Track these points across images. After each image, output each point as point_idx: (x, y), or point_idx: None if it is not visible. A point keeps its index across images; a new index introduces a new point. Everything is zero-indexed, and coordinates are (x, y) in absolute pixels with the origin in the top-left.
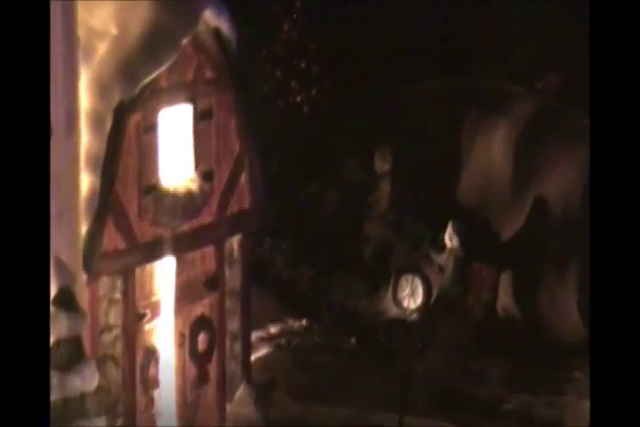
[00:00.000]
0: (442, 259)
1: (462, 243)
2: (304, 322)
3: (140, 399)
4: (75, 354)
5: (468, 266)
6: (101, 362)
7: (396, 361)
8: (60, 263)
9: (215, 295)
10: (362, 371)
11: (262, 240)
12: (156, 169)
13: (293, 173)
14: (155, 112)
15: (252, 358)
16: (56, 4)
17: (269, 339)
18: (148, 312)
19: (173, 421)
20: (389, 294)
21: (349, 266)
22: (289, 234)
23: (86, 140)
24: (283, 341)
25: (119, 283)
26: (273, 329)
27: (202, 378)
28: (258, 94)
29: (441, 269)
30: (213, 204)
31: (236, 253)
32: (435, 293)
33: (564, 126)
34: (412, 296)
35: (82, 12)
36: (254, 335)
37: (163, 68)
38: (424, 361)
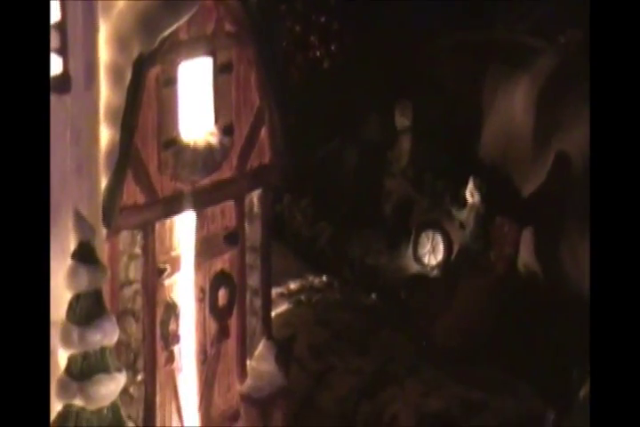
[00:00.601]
0: (463, 215)
1: (483, 199)
2: (324, 278)
3: (161, 354)
4: (95, 308)
5: (489, 221)
6: (121, 317)
7: (417, 318)
8: (79, 217)
9: (235, 250)
10: (382, 327)
11: (282, 197)
12: (176, 123)
13: (313, 129)
14: (174, 65)
15: (273, 314)
16: None
17: (289, 295)
18: (168, 267)
19: (194, 376)
20: (410, 250)
21: (369, 223)
22: (308, 191)
23: (106, 93)
24: (303, 297)
25: (139, 237)
26: (293, 285)
27: (222, 333)
28: (278, 49)
29: (462, 226)
30: (233, 158)
31: (256, 209)
32: (455, 249)
33: (586, 81)
34: (432, 253)
35: None
36: (274, 292)
37: (182, 21)
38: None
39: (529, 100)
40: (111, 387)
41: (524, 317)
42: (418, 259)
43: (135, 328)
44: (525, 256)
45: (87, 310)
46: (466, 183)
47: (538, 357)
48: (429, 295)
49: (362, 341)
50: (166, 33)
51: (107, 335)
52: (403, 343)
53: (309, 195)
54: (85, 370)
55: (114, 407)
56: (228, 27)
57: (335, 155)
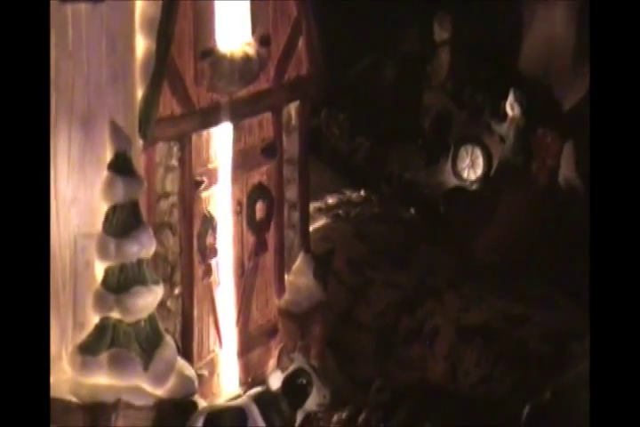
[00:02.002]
0: (503, 129)
1: (524, 112)
2: (362, 193)
3: (198, 268)
4: (131, 220)
5: (531, 134)
6: (158, 230)
7: (457, 232)
8: (115, 128)
9: (273, 163)
10: (421, 241)
11: (319, 112)
12: (213, 33)
13: (351, 42)
14: None
15: (310, 228)
16: None
17: (327, 210)
18: (205, 180)
19: (231, 290)
20: (449, 165)
21: (407, 137)
22: (346, 105)
23: (141, 2)
24: (341, 211)
25: (175, 149)
26: (330, 200)
27: (260, 247)
28: None
29: (502, 140)
30: (270, 69)
31: (293, 121)
32: (495, 163)
33: None
34: (471, 167)
35: None
36: (312, 206)
37: None
38: (484, 232)
39: (570, 11)
40: (148, 299)
41: (564, 231)
42: (457, 173)
43: (172, 241)
44: (566, 171)
45: (124, 222)
46: (506, 96)
47: (578, 271)
48: (469, 209)
49: (401, 255)
50: None
51: (144, 247)
52: (442, 257)
53: (347, 109)
54: (122, 282)
55: (151, 320)
56: None
57: (373, 68)
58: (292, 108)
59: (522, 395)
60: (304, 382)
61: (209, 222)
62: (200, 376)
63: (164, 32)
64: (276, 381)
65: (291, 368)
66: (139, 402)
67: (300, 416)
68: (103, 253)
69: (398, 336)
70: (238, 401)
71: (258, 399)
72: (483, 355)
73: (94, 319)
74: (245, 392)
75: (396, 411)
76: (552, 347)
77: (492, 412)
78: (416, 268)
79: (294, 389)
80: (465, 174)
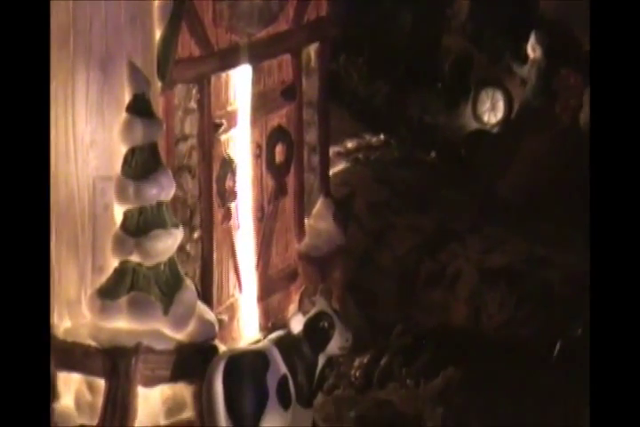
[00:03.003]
0: (524, 71)
1: (545, 53)
2: (381, 137)
3: (217, 211)
4: (150, 162)
5: (553, 75)
6: (177, 173)
7: (478, 174)
8: (134, 69)
9: (292, 106)
10: (442, 184)
11: (337, 56)
12: None
13: None
14: None
15: (330, 172)
16: None
17: (347, 154)
18: (224, 122)
19: (251, 234)
20: (469, 108)
21: (427, 81)
22: (364, 49)
23: None
24: (360, 155)
25: (194, 91)
26: (350, 144)
27: (280, 190)
28: None
29: (523, 82)
30: (290, 10)
31: (313, 63)
32: (516, 106)
33: None
34: (492, 111)
35: None
36: (331, 150)
37: None
38: (506, 174)
39: None
40: (168, 242)
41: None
42: (477, 117)
43: (191, 184)
44: (586, 114)
45: (143, 164)
46: (527, 38)
47: None
48: (491, 152)
49: (422, 198)
50: None
51: (163, 190)
52: (464, 200)
53: (365, 53)
54: (142, 225)
55: (171, 264)
56: None
57: (392, 11)
58: (312, 50)
59: (547, 336)
60: (326, 325)
61: (228, 165)
62: (220, 321)
63: None
64: (297, 324)
65: (312, 312)
66: (159, 346)
67: (321, 360)
68: (122, 195)
69: (420, 280)
70: (259, 345)
71: (279, 343)
72: (506, 297)
73: (113, 263)
74: (265, 337)
75: (419, 355)
76: (576, 288)
77: (516, 354)
78: (437, 211)
79: (316, 332)
80: (485, 118)
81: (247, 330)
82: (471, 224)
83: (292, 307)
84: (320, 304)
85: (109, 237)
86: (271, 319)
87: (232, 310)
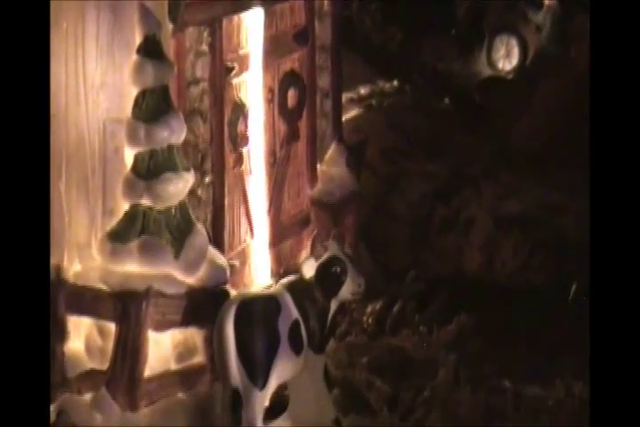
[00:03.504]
0: (539, 17)
1: None
2: (395, 83)
3: (229, 156)
4: (161, 105)
5: (569, 20)
6: (188, 117)
7: (493, 120)
8: (145, 10)
9: (305, 50)
10: (456, 131)
11: (351, 1)
12: None
13: None
14: None
15: (343, 118)
16: None
17: (359, 100)
18: (236, 66)
19: (263, 179)
20: (483, 55)
21: (441, 27)
22: None
23: None
24: (373, 102)
25: (206, 34)
26: (363, 91)
27: (292, 135)
28: None
29: (538, 29)
30: None
31: (326, 6)
32: (531, 53)
33: None
34: (507, 57)
35: None
36: (344, 96)
37: None
38: (521, 120)
39: None
40: (179, 185)
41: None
42: (492, 64)
43: (203, 129)
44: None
45: (154, 107)
46: None
47: None
48: (505, 98)
49: (435, 144)
50: None
51: (174, 133)
52: (478, 146)
53: None
54: (152, 168)
55: (182, 207)
56: None
57: None
58: None
59: (561, 282)
60: (338, 270)
61: (240, 110)
62: (231, 267)
63: None
64: (309, 269)
65: (324, 256)
66: (170, 290)
67: (334, 305)
68: (133, 138)
69: (433, 226)
70: (271, 290)
71: (291, 288)
72: (520, 244)
73: (124, 206)
74: (277, 283)
75: (432, 302)
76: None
77: (529, 301)
78: (451, 157)
79: (328, 277)
80: (500, 65)
81: (259, 276)
82: (485, 170)
83: (304, 253)
84: (332, 249)
85: (120, 181)
86: (283, 265)
87: (243, 255)
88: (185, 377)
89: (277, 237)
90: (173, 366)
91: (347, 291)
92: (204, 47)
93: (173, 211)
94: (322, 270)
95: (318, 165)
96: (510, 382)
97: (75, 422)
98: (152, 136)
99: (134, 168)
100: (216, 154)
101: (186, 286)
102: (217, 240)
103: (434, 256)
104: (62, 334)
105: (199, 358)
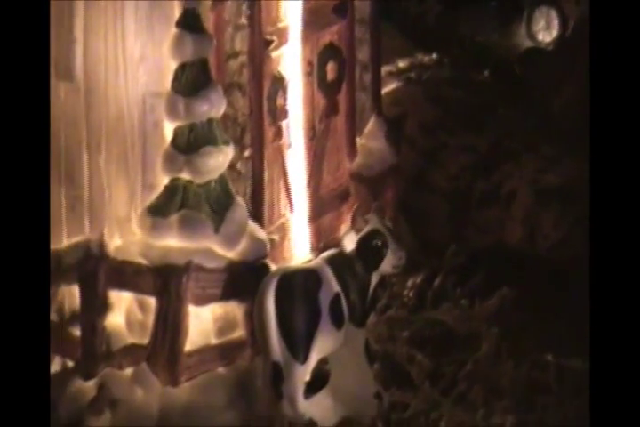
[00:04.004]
0: None
1: None
2: (434, 56)
3: (268, 130)
4: (201, 78)
5: None
6: (228, 90)
7: (533, 93)
8: None
9: (344, 22)
10: (496, 103)
11: None
12: None
13: None
14: None
15: (382, 92)
16: None
17: (398, 73)
18: (275, 39)
19: (302, 153)
20: (523, 27)
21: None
22: None
23: None
24: (412, 75)
25: (244, 7)
26: (401, 64)
27: (331, 109)
28: None
29: (577, 0)
30: None
31: None
32: (571, 25)
33: None
34: (547, 29)
35: None
36: (383, 70)
37: None
38: (562, 93)
39: None
40: (219, 159)
41: None
42: (531, 36)
43: (241, 102)
44: None
45: (193, 80)
46: None
47: None
48: (546, 70)
49: (475, 117)
50: None
51: (214, 106)
52: (519, 119)
53: None
54: (192, 142)
55: (222, 181)
56: None
57: None
58: None
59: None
60: (379, 243)
61: (279, 83)
62: (271, 241)
63: None
64: (350, 243)
65: (365, 230)
66: (210, 264)
67: (375, 279)
68: (172, 112)
69: (474, 200)
70: (312, 263)
71: (331, 261)
72: (561, 217)
73: (164, 181)
74: (317, 258)
75: (473, 275)
76: None
77: (572, 274)
78: (492, 130)
79: (369, 250)
80: (540, 37)
81: (298, 250)
82: (527, 143)
83: (344, 227)
84: (373, 222)
85: (159, 155)
86: (322, 240)
87: (283, 229)
88: (225, 352)
89: (317, 212)
90: (214, 341)
91: (388, 264)
92: (243, 20)
93: (213, 184)
94: (362, 244)
95: (357, 139)
96: (553, 356)
97: (116, 397)
98: (192, 110)
99: (174, 142)
100: (255, 128)
101: (226, 260)
102: (256, 214)
103: (474, 229)
104: (103, 308)
105: (239, 333)
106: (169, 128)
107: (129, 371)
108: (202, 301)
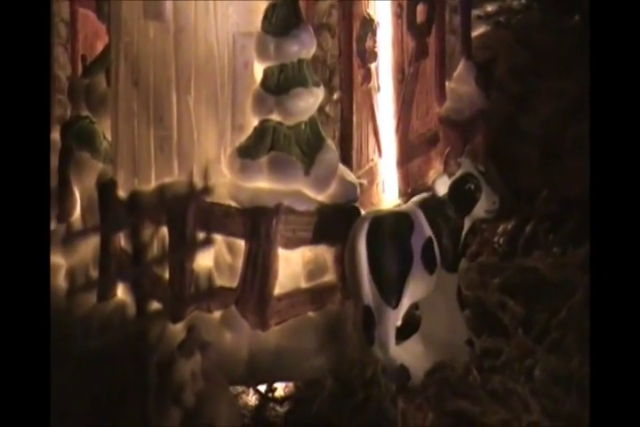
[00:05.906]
0: None
1: None
2: (522, 0)
3: (357, 72)
4: (291, 18)
5: None
6: (316, 32)
7: None
8: None
9: None
10: (587, 48)
11: None
12: None
13: None
14: None
15: (472, 36)
16: None
17: (487, 17)
18: None
19: (391, 96)
20: None
21: None
22: None
23: None
24: (502, 19)
25: None
26: (490, 8)
27: (420, 51)
28: None
29: None
30: None
31: None
32: None
33: None
34: None
35: None
36: (472, 13)
37: None
38: None
39: None
40: (309, 101)
41: None
42: None
43: (331, 44)
44: None
45: (283, 20)
46: None
47: None
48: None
49: (565, 62)
50: None
51: (304, 46)
52: None
53: None
54: (282, 83)
55: (312, 123)
56: None
57: None
58: None
59: None
60: (472, 187)
61: (369, 25)
62: (360, 185)
63: None
64: (442, 187)
65: (458, 173)
66: (300, 207)
67: (467, 223)
68: (262, 53)
69: (565, 145)
70: (404, 207)
71: (424, 205)
72: None
73: (253, 122)
74: (405, 203)
75: (565, 222)
76: None
77: None
78: (583, 76)
79: (462, 194)
80: None
81: (387, 195)
82: None
83: (432, 172)
84: (466, 166)
85: (249, 96)
86: (411, 185)
87: (371, 174)
88: (315, 295)
89: (405, 156)
90: (304, 285)
91: (481, 208)
92: None
93: (303, 126)
94: (455, 188)
95: (447, 83)
96: None
97: (205, 339)
98: (282, 50)
99: (264, 83)
100: (344, 70)
101: (316, 203)
102: (345, 158)
103: (566, 176)
104: (192, 250)
105: (330, 277)
106: (259, 69)
107: (217, 314)
108: (292, 244)
